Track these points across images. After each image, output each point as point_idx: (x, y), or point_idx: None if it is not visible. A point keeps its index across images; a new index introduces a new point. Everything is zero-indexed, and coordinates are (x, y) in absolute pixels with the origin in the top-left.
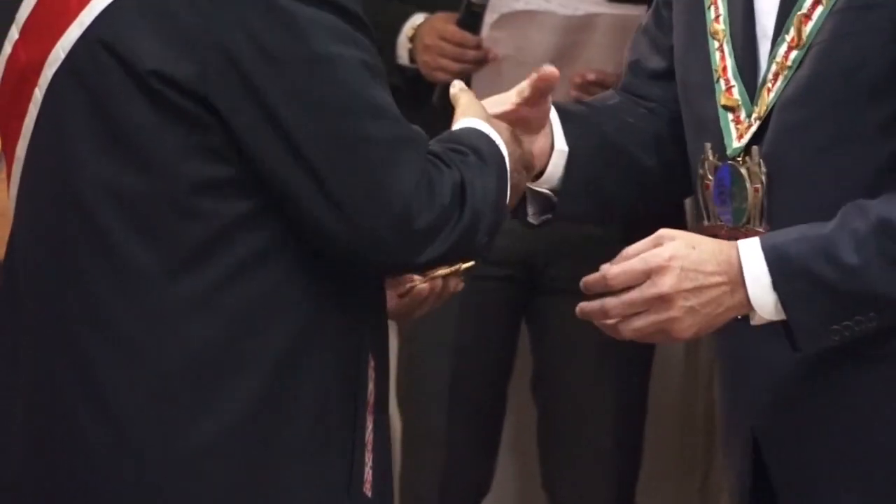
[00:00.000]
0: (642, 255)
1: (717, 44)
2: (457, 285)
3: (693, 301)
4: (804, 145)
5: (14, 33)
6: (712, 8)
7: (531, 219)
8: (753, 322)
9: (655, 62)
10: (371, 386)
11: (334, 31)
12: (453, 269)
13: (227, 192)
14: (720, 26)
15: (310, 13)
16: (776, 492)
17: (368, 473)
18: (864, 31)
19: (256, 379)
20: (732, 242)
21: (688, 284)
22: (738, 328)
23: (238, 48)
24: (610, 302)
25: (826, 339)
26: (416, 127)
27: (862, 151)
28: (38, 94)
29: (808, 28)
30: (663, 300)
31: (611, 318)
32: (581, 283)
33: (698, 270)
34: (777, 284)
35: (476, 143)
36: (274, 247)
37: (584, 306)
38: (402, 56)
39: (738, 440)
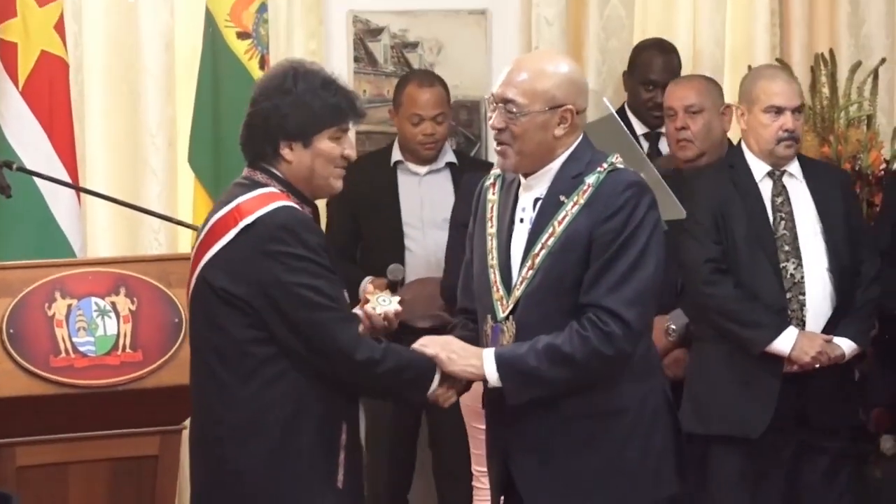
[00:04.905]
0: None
1: (492, 271)
2: None
3: (451, 344)
4: (535, 316)
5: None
6: (490, 254)
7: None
8: (490, 385)
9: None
10: (343, 438)
11: (313, 271)
12: None
13: (265, 344)
14: (493, 262)
15: (302, 265)
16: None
17: (341, 474)
18: (565, 262)
19: (299, 434)
20: (481, 349)
21: (443, 340)
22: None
23: (267, 282)
24: None
25: (526, 400)
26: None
27: (566, 320)
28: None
29: (538, 260)
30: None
31: None
32: None
33: (454, 343)
34: (500, 373)
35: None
36: (290, 368)
37: None
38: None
39: (494, 462)
